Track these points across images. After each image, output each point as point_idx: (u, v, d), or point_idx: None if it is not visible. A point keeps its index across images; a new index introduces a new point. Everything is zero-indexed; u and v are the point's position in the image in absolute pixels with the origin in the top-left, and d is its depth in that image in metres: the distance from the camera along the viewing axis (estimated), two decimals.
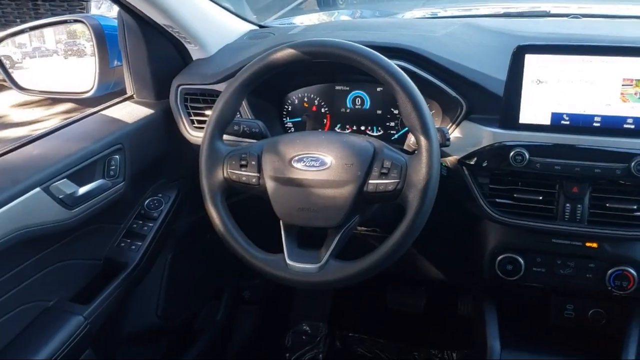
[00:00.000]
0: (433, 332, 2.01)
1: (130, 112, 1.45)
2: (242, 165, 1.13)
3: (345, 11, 2.23)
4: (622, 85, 1.10)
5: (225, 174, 1.14)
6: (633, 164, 1.09)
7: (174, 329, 1.72)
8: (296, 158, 1.11)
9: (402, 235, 1.03)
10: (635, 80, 1.09)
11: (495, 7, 1.78)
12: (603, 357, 1.29)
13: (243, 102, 1.33)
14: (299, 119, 1.49)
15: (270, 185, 1.11)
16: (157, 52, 1.47)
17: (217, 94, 1.39)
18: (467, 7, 1.87)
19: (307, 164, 1.10)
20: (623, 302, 1.29)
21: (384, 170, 1.07)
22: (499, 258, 1.26)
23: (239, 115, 1.35)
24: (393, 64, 1.07)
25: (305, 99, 1.47)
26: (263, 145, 1.16)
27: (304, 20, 1.97)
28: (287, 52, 1.11)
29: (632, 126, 1.11)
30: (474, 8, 1.85)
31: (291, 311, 2.14)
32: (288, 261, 1.09)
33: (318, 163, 1.10)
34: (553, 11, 1.67)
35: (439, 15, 1.79)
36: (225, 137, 1.19)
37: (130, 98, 1.54)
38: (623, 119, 1.12)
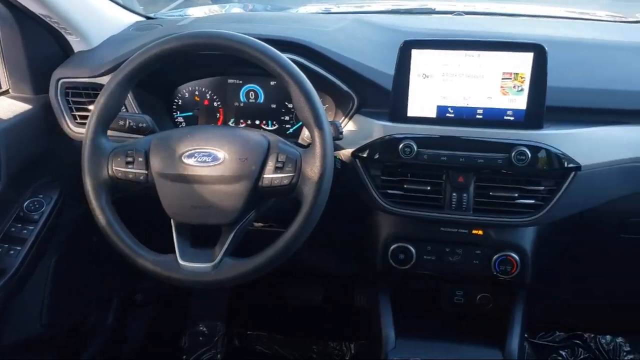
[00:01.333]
0: (331, 325, 2.03)
1: (5, 108, 1.34)
2: (128, 162, 1.08)
3: (238, 4, 2.19)
4: (502, 79, 1.15)
5: (110, 172, 1.08)
6: (513, 153, 1.15)
7: (61, 337, 1.62)
8: (187, 153, 1.07)
9: (297, 229, 1.03)
10: (514, 74, 1.15)
11: (385, 4, 1.83)
12: (491, 339, 1.35)
13: (128, 96, 1.26)
14: (190, 113, 1.44)
15: (159, 182, 1.07)
16: (35, 44, 1.37)
17: (100, 87, 1.31)
18: (359, 4, 1.91)
19: (199, 160, 1.07)
20: (508, 286, 1.36)
21: (279, 165, 1.06)
22: (392, 248, 1.29)
23: (124, 110, 1.29)
24: (285, 57, 1.06)
25: (197, 93, 1.43)
26: (150, 140, 1.11)
27: (194, 12, 1.91)
28: (174, 44, 1.07)
29: (512, 118, 1.17)
30: (366, 5, 1.88)
31: (187, 312, 2.08)
32: (180, 261, 1.05)
33: (210, 158, 1.07)
34: (438, 8, 1.74)
35: (332, 11, 1.81)
36: (109, 133, 1.13)
37: (5, 93, 1.42)
38: (503, 111, 1.17)
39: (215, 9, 2.07)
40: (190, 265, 1.05)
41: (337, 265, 1.64)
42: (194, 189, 1.06)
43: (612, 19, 1.68)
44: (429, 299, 1.44)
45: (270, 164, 1.06)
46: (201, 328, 2.06)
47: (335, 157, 1.21)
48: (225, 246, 1.06)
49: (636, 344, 1.96)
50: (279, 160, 1.06)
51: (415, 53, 1.16)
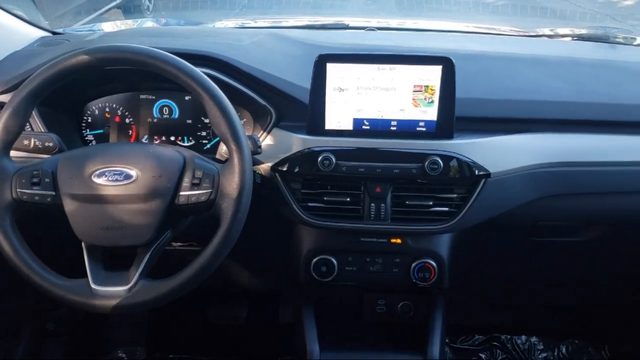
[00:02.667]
0: (256, 343, 2.00)
1: None
2: (33, 184, 1.02)
3: (151, 19, 2.14)
4: (414, 91, 1.19)
5: (14, 194, 1.02)
6: (426, 163, 1.18)
7: None
8: (97, 172, 1.03)
9: (217, 247, 1.01)
10: (424, 86, 1.18)
11: (301, 20, 1.85)
12: (414, 346, 1.38)
13: (33, 114, 1.20)
14: (101, 131, 1.38)
15: (68, 203, 1.02)
16: None
17: (1, 105, 1.24)
18: (275, 19, 1.91)
19: (110, 179, 1.03)
20: (427, 292, 1.39)
21: (196, 181, 1.04)
22: (314, 260, 1.29)
23: (29, 129, 1.23)
24: (199, 71, 1.05)
25: (107, 109, 1.37)
26: (58, 160, 1.05)
27: (104, 27, 1.85)
28: (80, 59, 1.03)
29: (424, 129, 1.21)
30: (283, 20, 1.89)
31: (105, 338, 1.99)
32: (93, 286, 1.01)
33: (122, 177, 1.03)
34: (352, 24, 1.77)
35: (248, 26, 1.81)
36: (13, 153, 1.07)
37: None
38: (416, 123, 1.21)
39: (127, 24, 2.02)
40: (103, 289, 1.01)
41: (260, 281, 1.62)
42: (106, 209, 1.02)
43: (515, 34, 1.78)
44: (352, 309, 1.45)
45: (187, 181, 1.04)
46: (120, 354, 1.96)
47: (254, 171, 1.20)
48: (141, 268, 1.02)
49: (548, 342, 2.06)
50: (196, 176, 1.04)
51: (330, 67, 1.18)
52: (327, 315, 1.42)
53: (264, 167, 1.23)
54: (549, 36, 1.72)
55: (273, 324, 1.95)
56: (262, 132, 1.27)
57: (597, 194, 1.31)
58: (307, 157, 1.20)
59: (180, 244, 1.38)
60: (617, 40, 1.65)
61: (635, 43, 1.67)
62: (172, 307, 1.15)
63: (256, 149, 1.11)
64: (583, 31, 1.68)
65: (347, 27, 1.76)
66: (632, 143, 1.29)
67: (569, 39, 1.68)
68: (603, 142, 1.29)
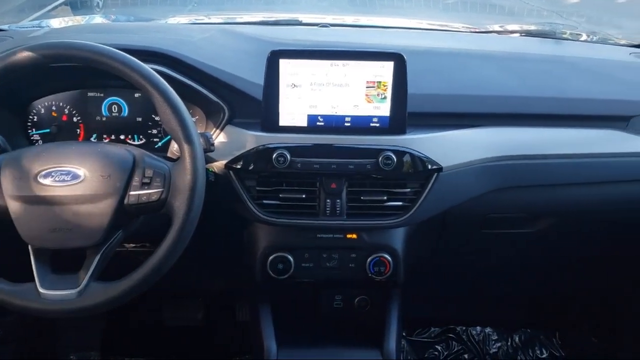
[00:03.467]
0: (213, 343, 1.98)
1: None
2: None
3: (99, 15, 2.09)
4: (367, 87, 1.19)
5: None
6: (380, 158, 1.19)
7: None
8: (43, 173, 1.00)
9: (169, 247, 0.99)
10: (377, 82, 1.19)
11: (256, 16, 1.83)
12: (371, 340, 1.38)
13: None
14: (47, 130, 1.34)
15: (12, 205, 0.98)
16: None
17: None
18: (229, 15, 1.89)
19: (57, 179, 1.00)
20: (383, 286, 1.40)
21: (146, 180, 1.02)
22: (270, 258, 1.28)
23: None
24: (148, 67, 1.03)
25: (54, 108, 1.33)
26: (1, 160, 1.02)
27: (51, 23, 1.79)
28: (24, 55, 0.99)
29: (378, 124, 1.22)
30: (238, 16, 1.87)
31: (57, 344, 1.93)
32: (40, 290, 0.98)
33: (70, 177, 1.00)
34: (305, 20, 1.77)
35: (201, 22, 1.78)
36: None
37: None
38: (369, 119, 1.21)
39: (75, 20, 1.96)
40: (51, 293, 0.98)
41: (216, 280, 1.60)
42: (53, 210, 0.99)
43: (466, 30, 1.81)
44: (309, 306, 1.45)
45: (137, 180, 1.01)
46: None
47: (207, 169, 1.19)
48: (91, 270, 0.99)
49: (502, 332, 2.11)
50: (146, 175, 1.02)
51: (283, 63, 1.17)
52: (284, 312, 1.41)
53: (218, 165, 1.22)
54: (498, 32, 1.76)
55: (230, 324, 1.93)
56: (214, 129, 1.25)
57: (545, 186, 1.35)
58: (261, 154, 1.19)
59: (133, 245, 1.35)
60: (563, 36, 1.70)
61: (581, 39, 1.72)
62: (127, 309, 1.13)
63: (209, 146, 1.10)
64: (531, 27, 1.73)
65: (300, 24, 1.76)
66: (577, 136, 1.34)
67: (517, 35, 1.72)
68: (550, 135, 1.33)
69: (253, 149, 1.20)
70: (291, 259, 1.29)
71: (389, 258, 1.30)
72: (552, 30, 1.69)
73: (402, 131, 1.22)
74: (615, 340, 2.02)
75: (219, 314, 1.99)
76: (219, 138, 1.24)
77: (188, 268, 1.53)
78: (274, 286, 1.36)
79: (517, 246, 1.58)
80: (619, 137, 1.35)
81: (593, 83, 1.41)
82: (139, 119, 1.34)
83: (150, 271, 0.99)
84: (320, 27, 1.70)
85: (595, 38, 1.72)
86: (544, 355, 2.07)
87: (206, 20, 1.80)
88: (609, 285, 1.91)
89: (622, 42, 1.74)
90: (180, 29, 1.61)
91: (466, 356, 2.04)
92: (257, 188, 1.22)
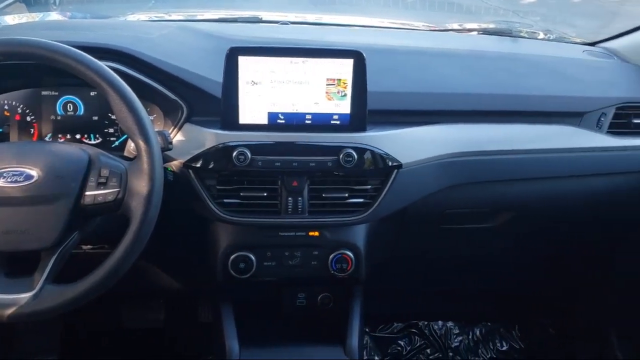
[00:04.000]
0: (175, 344, 1.96)
1: None
2: None
3: (54, 12, 2.03)
4: (327, 84, 1.19)
5: None
6: (341, 156, 1.20)
7: None
8: None
9: (127, 248, 0.97)
10: (337, 79, 1.19)
11: (218, 14, 1.81)
12: (334, 337, 1.39)
13: None
14: (0, 130, 1.30)
15: None
16: None
17: None
18: (191, 13, 1.87)
19: (9, 180, 0.97)
20: (345, 283, 1.40)
21: (102, 180, 1.00)
22: (232, 257, 1.27)
23: None
24: (103, 64, 1.01)
25: (6, 107, 1.29)
26: None
27: (5, 20, 1.74)
28: None
29: (338, 122, 1.22)
30: (199, 13, 1.85)
31: (13, 349, 1.88)
32: None
33: (22, 177, 0.97)
34: (265, 18, 1.76)
35: (163, 19, 1.75)
36: None
37: None
38: (330, 116, 1.21)
39: (30, 17, 1.90)
40: (5, 297, 0.95)
41: (177, 281, 1.58)
42: (5, 212, 0.96)
43: (426, 29, 1.82)
44: (272, 304, 1.44)
45: (92, 180, 1.00)
46: None
47: (166, 168, 1.17)
48: (46, 273, 0.97)
49: (463, 326, 2.14)
50: (102, 175, 1.00)
51: (242, 60, 1.16)
52: (246, 312, 1.40)
53: (176, 164, 1.20)
54: (457, 31, 1.78)
55: (193, 325, 1.91)
56: (173, 127, 1.23)
57: (502, 182, 1.38)
58: (221, 152, 1.18)
59: (91, 246, 1.32)
60: (520, 34, 1.73)
61: (537, 37, 1.76)
62: (86, 312, 1.11)
63: (167, 145, 1.08)
64: (488, 26, 1.75)
65: (260, 21, 1.74)
66: (533, 132, 1.37)
67: (475, 33, 1.75)
68: (507, 131, 1.35)
69: (213, 147, 1.18)
70: (253, 258, 1.28)
71: (351, 255, 1.31)
72: (508, 29, 1.72)
73: (362, 128, 1.23)
74: (572, 331, 2.07)
75: (181, 315, 1.96)
76: (178, 136, 1.22)
77: (148, 268, 1.51)
78: (236, 286, 1.35)
79: (476, 241, 1.60)
80: (573, 133, 1.39)
81: (548, 80, 1.44)
82: (95, 118, 1.31)
83: (107, 273, 0.97)
84: (281, 24, 1.69)
85: (550, 36, 1.76)
86: (504, 348, 2.11)
87: (167, 18, 1.77)
88: (565, 277, 1.96)
89: (577, 40, 1.78)
90: (138, 26, 1.58)
91: (428, 351, 2.07)
92: (218, 187, 1.21)
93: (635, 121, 1.42)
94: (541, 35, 1.77)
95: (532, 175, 1.39)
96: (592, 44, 1.72)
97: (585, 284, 1.98)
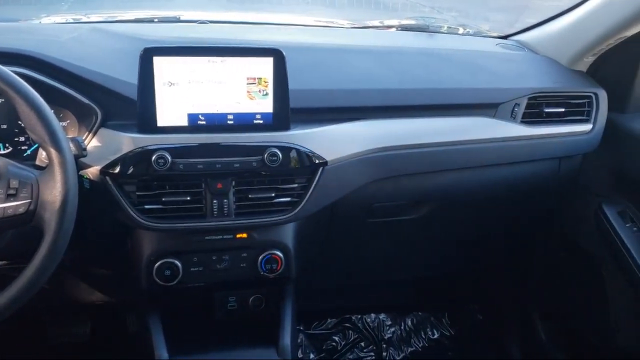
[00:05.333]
0: (104, 357, 1.88)
1: None
2: None
3: None
4: (247, 83, 1.18)
5: None
6: (266, 155, 1.18)
7: None
8: None
9: (41, 262, 0.93)
10: (257, 78, 1.18)
11: (139, 14, 1.75)
12: (267, 338, 1.37)
13: None
14: None
15: None
16: None
17: None
18: (110, 14, 1.79)
19: None
20: (276, 283, 1.39)
21: (11, 191, 0.94)
22: (156, 265, 1.24)
23: None
24: (8, 70, 0.95)
25: None
26: None
27: None
28: None
29: (261, 121, 1.21)
30: (119, 14, 1.78)
31: None
32: None
33: None
34: (183, 17, 1.71)
35: (80, 21, 1.67)
36: None
37: None
38: (252, 115, 1.20)
39: None
40: None
41: (101, 292, 1.52)
42: None
43: (345, 26, 1.83)
44: (203, 310, 1.41)
45: (1, 192, 0.94)
46: None
47: (81, 176, 1.12)
48: None
49: (395, 317, 2.18)
50: (11, 186, 0.94)
51: (157, 60, 1.13)
52: (176, 319, 1.37)
53: (93, 171, 1.15)
54: (377, 27, 1.81)
55: (121, 336, 1.84)
56: (87, 133, 1.18)
57: (424, 174, 1.41)
58: (139, 157, 1.14)
59: (4, 262, 1.25)
60: (437, 29, 1.77)
61: (452, 32, 1.81)
62: (8, 330, 1.04)
63: (80, 151, 1.04)
64: (406, 22, 1.79)
65: (178, 21, 1.70)
66: (452, 124, 1.41)
67: (394, 29, 1.78)
68: (427, 125, 1.38)
69: (130, 152, 1.14)
70: (179, 264, 1.25)
71: (281, 255, 1.30)
72: (426, 25, 1.76)
73: (286, 127, 1.22)
74: (498, 315, 2.15)
75: (108, 327, 1.89)
76: (93, 142, 1.17)
77: (70, 281, 1.44)
78: (162, 293, 1.31)
79: (403, 232, 1.63)
80: (489, 124, 1.44)
81: (464, 74, 1.48)
82: (4, 127, 1.24)
83: (21, 289, 0.92)
84: (200, 23, 1.66)
85: (465, 31, 1.81)
86: (435, 336, 2.17)
87: (84, 20, 1.69)
88: (489, 263, 2.04)
89: (491, 34, 1.85)
90: (47, 29, 1.50)
91: (362, 344, 2.09)
92: (138, 193, 1.17)
93: (547, 110, 1.48)
94: (457, 30, 1.81)
95: (451, 166, 1.43)
96: (505, 37, 1.78)
97: (509, 268, 2.07)
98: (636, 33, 1.43)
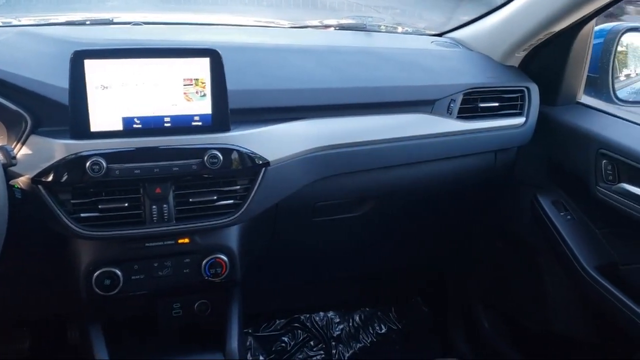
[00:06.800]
0: None
1: None
2: None
3: None
4: (184, 85, 1.15)
5: None
6: (206, 158, 1.16)
7: None
8: None
9: None
10: (194, 79, 1.16)
11: (74, 16, 1.69)
12: (214, 343, 1.35)
13: None
14: None
15: None
16: None
17: None
18: (44, 16, 1.72)
19: None
20: (222, 287, 1.37)
21: None
22: (95, 275, 1.19)
23: None
24: None
25: None
26: None
27: None
28: None
29: (200, 123, 1.18)
30: (53, 17, 1.71)
31: None
32: None
33: None
34: (117, 19, 1.67)
35: (10, 24, 1.59)
36: None
37: None
38: (190, 117, 1.18)
39: None
40: None
41: (39, 305, 1.46)
42: None
43: (284, 26, 1.83)
44: (147, 318, 1.37)
45: None
46: None
47: (12, 186, 1.07)
48: None
49: (343, 314, 2.20)
50: None
51: (89, 63, 1.09)
52: (119, 329, 1.33)
53: (24, 180, 1.10)
54: (316, 27, 1.81)
55: (62, 349, 1.78)
56: (16, 141, 1.13)
57: (365, 171, 1.42)
58: (73, 163, 1.10)
59: None
60: (374, 28, 1.79)
61: (389, 31, 1.83)
62: None
63: (9, 160, 0.99)
64: (345, 21, 1.80)
65: (111, 23, 1.65)
66: (391, 122, 1.42)
67: (332, 29, 1.79)
68: (366, 123, 1.40)
69: (63, 159, 1.10)
70: (119, 273, 1.21)
71: (225, 258, 1.28)
72: (363, 24, 1.78)
73: (226, 128, 1.20)
74: (443, 306, 2.20)
75: (49, 341, 1.82)
76: (23, 150, 1.12)
77: (5, 295, 1.38)
78: (103, 303, 1.27)
79: (347, 230, 1.65)
80: (426, 120, 1.47)
81: (401, 71, 1.51)
82: None
83: None
84: (133, 25, 1.61)
85: (402, 29, 1.84)
86: (382, 331, 2.19)
87: (15, 22, 1.62)
88: (432, 256, 2.08)
89: (426, 32, 1.88)
90: None
91: (312, 343, 2.10)
92: (73, 201, 1.13)
93: (482, 105, 1.53)
94: (394, 29, 1.84)
95: (392, 163, 1.45)
96: (440, 35, 1.82)
97: (451, 260, 2.12)
98: (564, 28, 1.49)
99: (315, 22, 1.83)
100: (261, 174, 1.23)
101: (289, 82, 1.36)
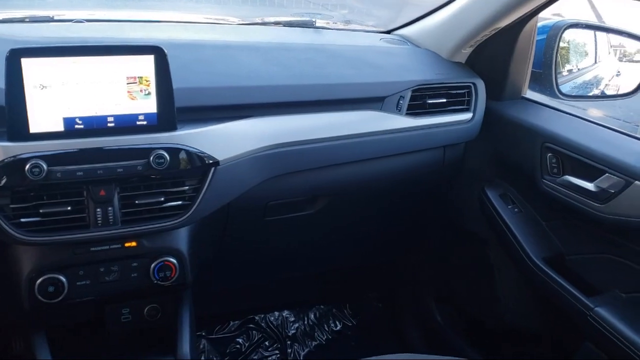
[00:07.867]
0: None
1: None
2: None
3: None
4: (128, 83, 1.12)
5: None
6: (152, 158, 1.13)
7: None
8: None
9: None
10: (138, 77, 1.12)
11: (7, 14, 1.61)
12: (165, 348, 1.32)
13: None
14: None
15: None
16: None
17: None
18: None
19: None
20: (172, 291, 1.34)
21: None
22: (38, 282, 1.15)
23: None
24: None
25: None
26: None
27: None
28: None
29: (145, 122, 1.15)
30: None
31: None
32: None
33: None
34: (57, 17, 1.61)
35: None
36: None
37: None
38: (135, 117, 1.14)
39: None
40: None
41: None
42: None
43: (231, 22, 1.80)
44: (94, 325, 1.33)
45: None
46: None
47: None
48: None
49: (298, 312, 2.19)
50: None
51: (26, 62, 1.04)
52: (65, 337, 1.28)
53: None
54: (263, 24, 1.79)
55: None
56: None
57: (316, 169, 1.42)
58: (11, 167, 1.05)
59: None
60: (322, 25, 1.79)
61: (339, 28, 1.83)
62: None
63: None
64: (293, 18, 1.79)
65: (51, 20, 1.59)
66: (341, 119, 1.42)
67: (281, 25, 1.77)
68: (316, 120, 1.39)
69: (1, 162, 1.05)
70: (63, 280, 1.16)
71: (174, 261, 1.25)
72: (312, 21, 1.77)
73: (172, 127, 1.17)
74: (397, 301, 2.22)
75: None
76: None
77: None
78: (47, 311, 1.22)
79: (300, 229, 1.64)
80: (376, 117, 1.47)
81: (350, 69, 1.51)
82: None
83: None
84: (75, 22, 1.56)
85: (351, 26, 1.85)
86: (337, 328, 2.20)
87: None
88: (385, 252, 2.09)
89: (375, 29, 1.89)
90: None
91: (267, 343, 2.08)
92: (12, 206, 1.08)
93: (430, 101, 1.54)
94: (342, 26, 1.84)
95: (342, 160, 1.45)
96: (389, 32, 1.83)
97: (403, 255, 2.14)
98: (508, 24, 1.52)
99: (263, 19, 1.82)
100: (210, 173, 1.21)
101: (236, 80, 1.34)
